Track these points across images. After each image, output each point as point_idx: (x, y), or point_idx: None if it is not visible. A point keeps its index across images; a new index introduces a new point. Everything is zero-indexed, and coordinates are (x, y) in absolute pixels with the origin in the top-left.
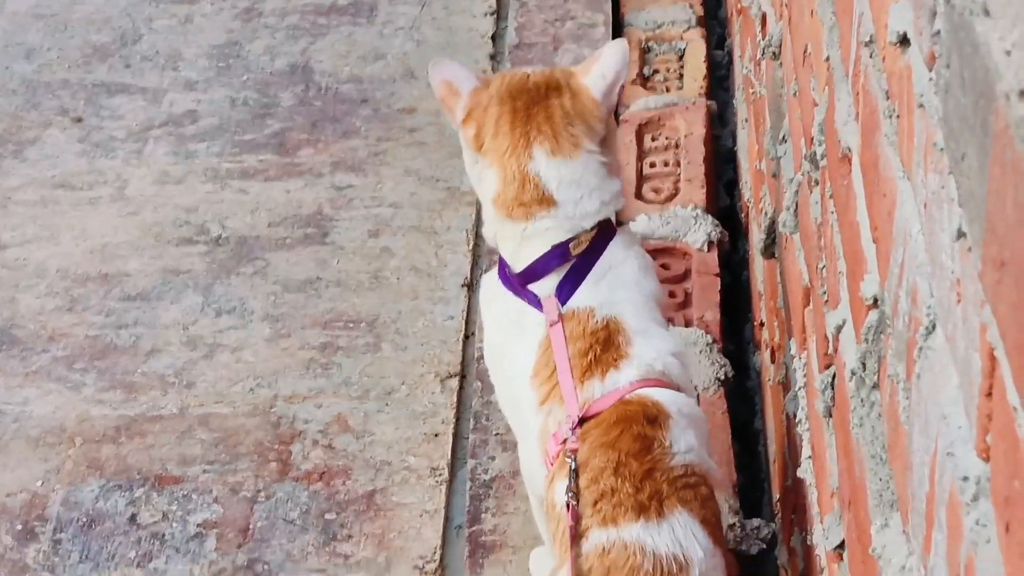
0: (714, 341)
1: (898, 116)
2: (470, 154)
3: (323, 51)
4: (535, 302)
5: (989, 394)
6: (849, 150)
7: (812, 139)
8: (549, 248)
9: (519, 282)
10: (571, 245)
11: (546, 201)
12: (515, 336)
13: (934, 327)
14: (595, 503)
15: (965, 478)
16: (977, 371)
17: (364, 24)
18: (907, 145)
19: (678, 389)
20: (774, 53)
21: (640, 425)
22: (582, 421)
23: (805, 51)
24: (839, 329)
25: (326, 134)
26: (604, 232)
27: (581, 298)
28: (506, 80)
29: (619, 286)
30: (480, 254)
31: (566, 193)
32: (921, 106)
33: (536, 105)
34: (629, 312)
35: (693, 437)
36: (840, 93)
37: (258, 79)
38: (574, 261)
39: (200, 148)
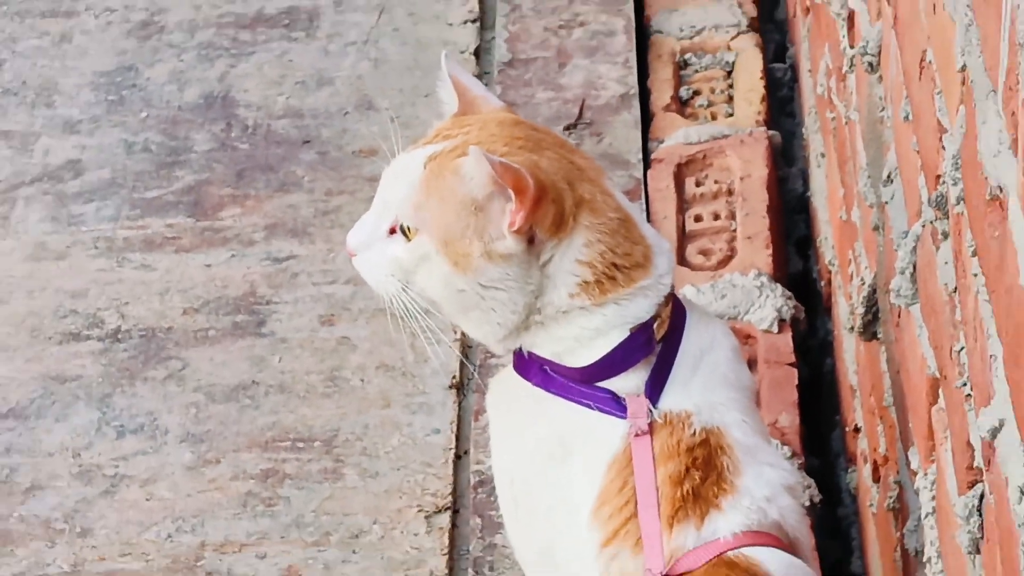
0: (793, 455)
1: None
2: (519, 247)
3: (248, 76)
4: (610, 404)
5: None
6: (1002, 190)
7: (939, 177)
8: (627, 334)
9: (581, 379)
10: (655, 324)
11: (647, 258)
12: (561, 458)
13: None
14: None
15: None
16: None
17: (303, 39)
18: None
19: (793, 549)
20: (870, 64)
21: None
22: None
23: (923, 59)
24: (994, 433)
25: (257, 187)
26: (676, 304)
27: (674, 399)
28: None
29: (717, 381)
30: (471, 343)
31: (657, 241)
32: None
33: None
34: (734, 419)
35: None
36: (986, 114)
37: (162, 116)
38: (659, 348)
39: (87, 211)
